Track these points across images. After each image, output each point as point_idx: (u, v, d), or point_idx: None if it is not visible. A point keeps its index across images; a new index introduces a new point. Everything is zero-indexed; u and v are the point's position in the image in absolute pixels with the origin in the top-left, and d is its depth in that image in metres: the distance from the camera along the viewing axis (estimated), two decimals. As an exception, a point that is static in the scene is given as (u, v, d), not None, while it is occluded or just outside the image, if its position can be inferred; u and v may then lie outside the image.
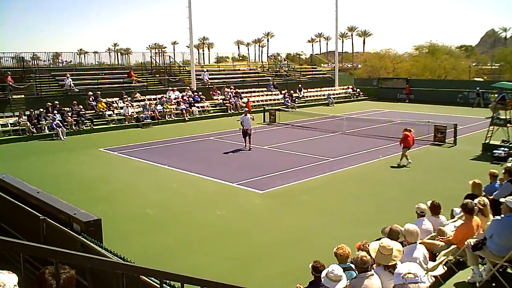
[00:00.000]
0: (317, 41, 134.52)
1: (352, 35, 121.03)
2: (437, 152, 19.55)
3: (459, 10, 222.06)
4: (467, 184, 9.30)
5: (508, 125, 18.82)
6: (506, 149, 17.59)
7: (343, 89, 46.07)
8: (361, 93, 46.05)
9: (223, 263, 9.13)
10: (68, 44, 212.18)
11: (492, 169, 10.38)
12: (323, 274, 5.34)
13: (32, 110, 25.61)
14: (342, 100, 43.23)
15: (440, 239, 7.27)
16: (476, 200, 7.68)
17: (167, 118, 29.96)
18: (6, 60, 33.01)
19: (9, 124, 24.54)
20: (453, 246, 7.01)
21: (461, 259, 7.30)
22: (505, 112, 19.03)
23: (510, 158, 16.53)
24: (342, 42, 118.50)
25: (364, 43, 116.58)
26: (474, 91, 38.39)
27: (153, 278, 4.85)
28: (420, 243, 6.33)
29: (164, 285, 3.56)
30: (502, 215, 6.75)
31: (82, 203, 9.45)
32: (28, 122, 24.57)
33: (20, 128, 24.44)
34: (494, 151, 17.47)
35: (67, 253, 2.26)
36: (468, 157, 18.11)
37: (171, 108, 30.86)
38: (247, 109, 22.85)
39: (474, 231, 7.07)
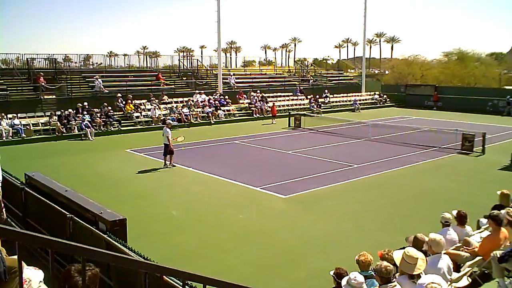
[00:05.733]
0: (344, 47, 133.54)
1: (380, 41, 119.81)
2: (465, 161, 19.19)
3: (490, 16, 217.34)
4: (494, 194, 9.12)
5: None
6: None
7: (369, 95, 45.69)
8: (388, 100, 45.57)
9: (245, 266, 9.17)
10: (99, 47, 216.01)
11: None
12: (344, 281, 5.31)
13: (62, 110, 26.23)
14: (369, 106, 42.89)
15: (466, 250, 7.15)
16: (504, 211, 7.53)
17: (193, 121, 30.25)
18: (39, 62, 33.87)
19: (40, 124, 25.22)
20: (478, 258, 6.88)
21: (486, 271, 7.15)
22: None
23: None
24: (370, 48, 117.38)
25: (392, 49, 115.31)
26: (505, 100, 37.60)
27: (175, 279, 4.94)
28: (444, 253, 6.24)
29: (186, 286, 3.62)
30: (530, 227, 6.61)
31: (108, 202, 9.63)
32: (58, 122, 25.19)
33: (51, 127, 25.07)
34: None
35: (94, 251, 2.33)
36: (496, 167, 17.71)
37: (197, 111, 31.16)
38: (169, 120, 20.95)
39: (500, 242, 6.93)
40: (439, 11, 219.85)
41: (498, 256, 6.56)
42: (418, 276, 5.25)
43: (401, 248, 5.91)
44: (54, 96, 28.80)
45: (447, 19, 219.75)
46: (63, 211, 7.50)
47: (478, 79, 55.74)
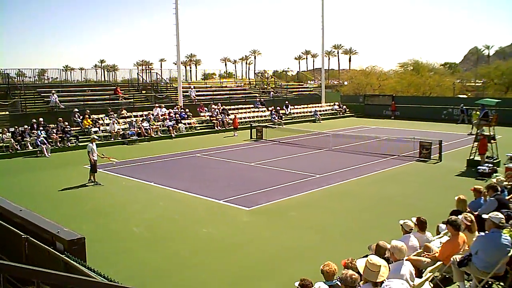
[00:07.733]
0: (304, 58, 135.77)
1: (338, 53, 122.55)
2: (423, 168, 19.68)
3: (443, 28, 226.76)
4: (452, 200, 9.36)
5: (492, 141, 19.07)
6: (490, 165, 17.81)
7: (329, 105, 46.42)
8: (347, 110, 46.40)
9: (211, 281, 9.02)
10: (54, 61, 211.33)
11: (477, 185, 10.49)
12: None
13: (16, 126, 25.32)
14: (329, 116, 43.57)
15: (426, 256, 7.28)
16: (461, 216, 7.73)
17: (153, 135, 29.85)
18: (-9, 77, 32.79)
19: (-8, 141, 24.24)
20: (439, 263, 7.03)
21: (447, 276, 7.31)
22: (488, 128, 19.29)
23: (494, 174, 16.69)
24: (329, 59, 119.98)
25: (350, 61, 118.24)
26: (459, 108, 38.96)
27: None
28: (406, 260, 6.33)
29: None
30: (487, 231, 6.80)
31: (66, 221, 9.33)
32: (12, 139, 24.29)
33: (4, 145, 24.12)
34: (479, 167, 17.68)
35: (48, 273, 2.22)
36: (453, 173, 18.26)
37: (157, 125, 30.78)
38: (94, 135, 20.26)
39: (459, 247, 7.10)
40: (395, 22, 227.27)
41: (458, 260, 6.72)
42: (381, 283, 5.30)
43: (364, 256, 5.95)
44: (7, 112, 27.89)
45: (403, 30, 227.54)
46: (18, 231, 7.18)
47: (432, 89, 57.66)
